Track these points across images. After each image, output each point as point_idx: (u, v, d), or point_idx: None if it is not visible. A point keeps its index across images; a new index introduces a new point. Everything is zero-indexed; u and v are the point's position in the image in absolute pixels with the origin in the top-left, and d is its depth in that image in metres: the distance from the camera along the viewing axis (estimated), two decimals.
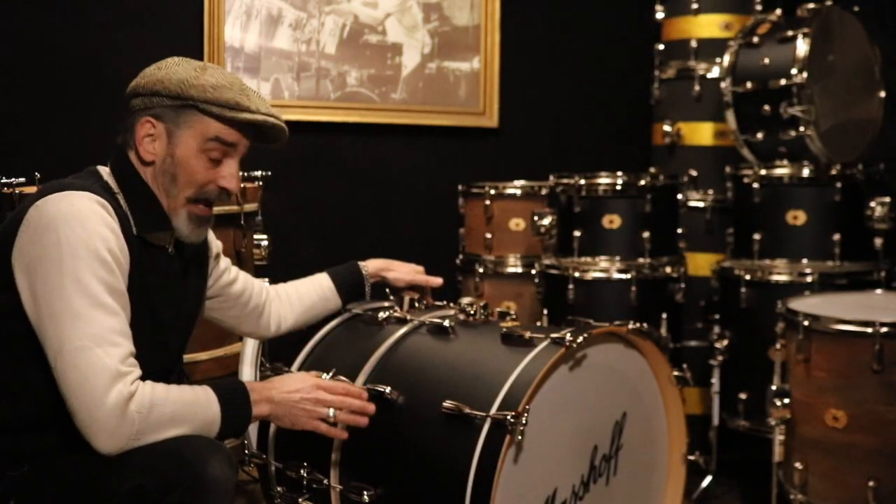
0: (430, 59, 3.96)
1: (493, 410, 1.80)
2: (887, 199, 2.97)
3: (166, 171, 1.77)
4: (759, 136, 3.22)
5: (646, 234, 3.12)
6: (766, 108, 3.15)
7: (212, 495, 1.59)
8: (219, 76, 1.77)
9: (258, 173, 2.93)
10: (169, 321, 1.85)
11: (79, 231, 1.61)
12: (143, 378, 1.63)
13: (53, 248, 1.60)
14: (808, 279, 2.97)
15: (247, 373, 2.34)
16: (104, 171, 1.81)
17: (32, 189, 2.45)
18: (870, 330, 2.36)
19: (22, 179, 2.47)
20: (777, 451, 2.57)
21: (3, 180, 2.45)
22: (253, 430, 2.24)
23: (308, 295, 2.27)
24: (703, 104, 3.59)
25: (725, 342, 3.07)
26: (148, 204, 1.78)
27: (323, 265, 2.33)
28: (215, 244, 2.07)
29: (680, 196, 3.33)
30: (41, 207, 1.64)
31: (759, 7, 3.56)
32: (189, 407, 1.66)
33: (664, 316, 3.10)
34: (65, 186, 1.68)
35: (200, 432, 1.67)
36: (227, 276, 2.12)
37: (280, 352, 2.40)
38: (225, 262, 2.12)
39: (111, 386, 1.56)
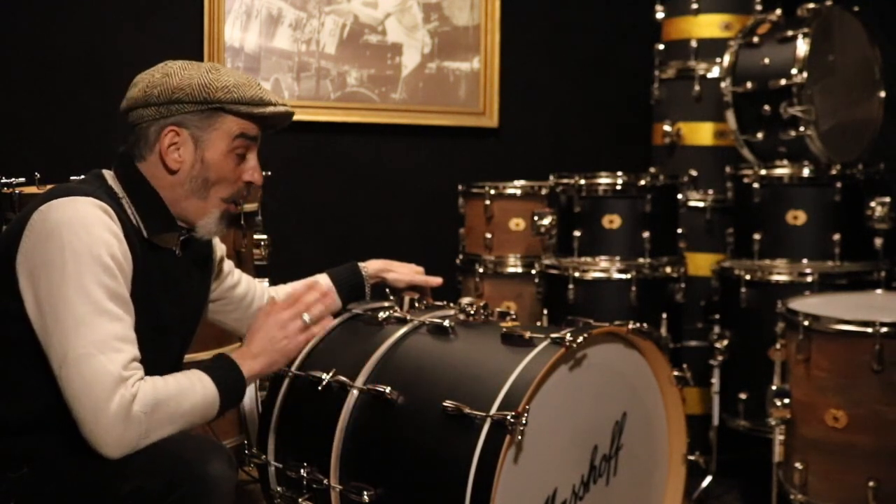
0: (430, 59, 3.96)
1: (493, 410, 1.80)
2: (887, 199, 2.96)
3: (196, 176, 1.78)
4: (759, 136, 3.23)
5: (646, 234, 3.12)
6: (766, 108, 3.15)
7: (212, 495, 1.59)
8: (233, 75, 1.80)
9: None
10: (172, 323, 1.85)
11: (83, 237, 1.61)
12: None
13: (57, 254, 1.60)
14: (808, 279, 2.97)
15: None
16: (108, 174, 1.81)
17: (32, 189, 2.45)
18: (870, 330, 2.36)
19: (22, 179, 2.46)
20: (777, 451, 2.57)
21: (3, 180, 2.44)
22: (253, 429, 2.24)
23: None
24: (703, 104, 3.58)
25: (725, 342, 3.07)
26: (154, 207, 1.79)
27: (323, 265, 2.33)
28: (220, 247, 2.08)
29: (680, 196, 3.32)
30: (45, 212, 1.64)
31: (759, 7, 3.56)
32: (189, 394, 1.67)
33: (664, 316, 3.10)
34: (69, 191, 1.68)
35: (204, 413, 1.70)
36: (231, 279, 2.13)
37: None
38: (229, 264, 2.13)
39: (114, 392, 1.56)
